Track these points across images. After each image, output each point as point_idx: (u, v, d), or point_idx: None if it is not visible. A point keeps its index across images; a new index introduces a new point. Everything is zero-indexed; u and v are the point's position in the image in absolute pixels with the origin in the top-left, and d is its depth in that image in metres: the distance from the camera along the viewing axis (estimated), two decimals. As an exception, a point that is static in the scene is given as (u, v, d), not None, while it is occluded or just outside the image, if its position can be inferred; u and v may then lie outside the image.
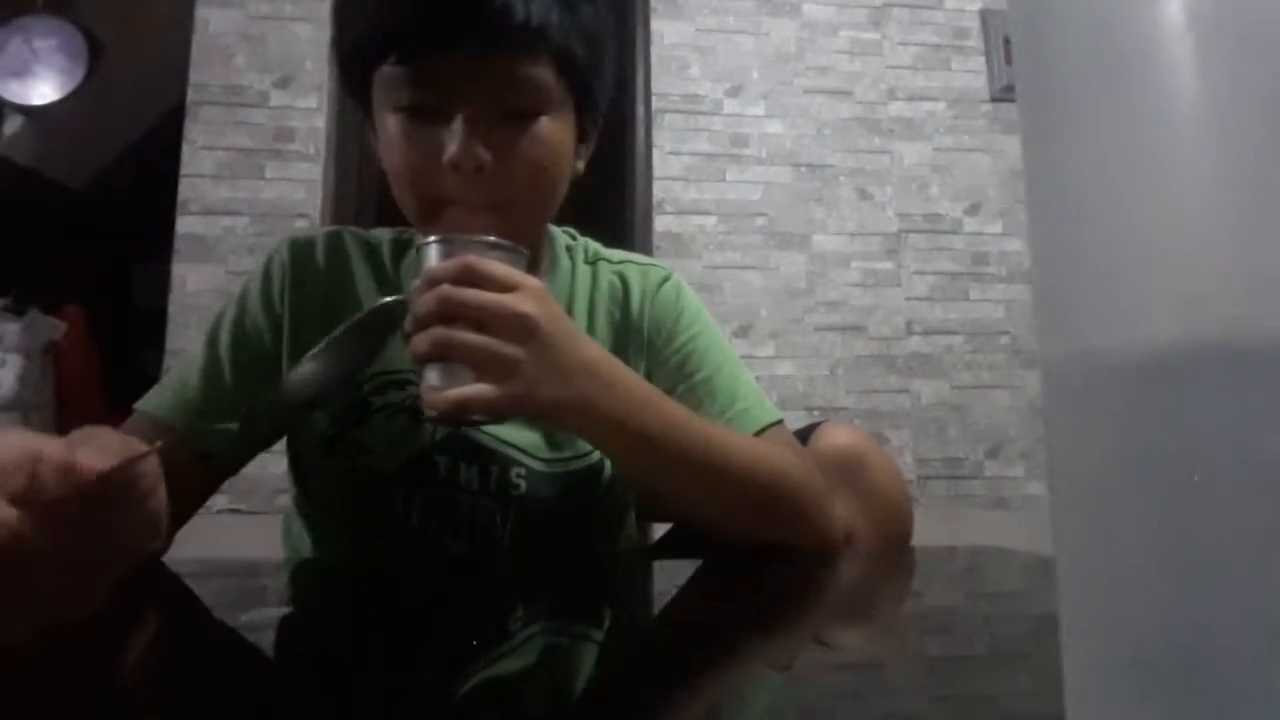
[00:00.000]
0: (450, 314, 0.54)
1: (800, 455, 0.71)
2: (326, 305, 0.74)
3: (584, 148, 0.74)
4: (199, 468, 0.67)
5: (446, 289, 0.54)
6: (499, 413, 0.56)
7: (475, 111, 0.63)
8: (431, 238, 0.57)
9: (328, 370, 0.58)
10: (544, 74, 0.65)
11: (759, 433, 0.71)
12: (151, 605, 0.50)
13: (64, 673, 0.33)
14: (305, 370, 0.57)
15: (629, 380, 0.62)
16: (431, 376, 0.55)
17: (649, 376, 0.76)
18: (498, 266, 0.56)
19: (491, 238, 0.58)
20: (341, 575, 0.65)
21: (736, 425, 0.70)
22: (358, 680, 0.33)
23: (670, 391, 0.75)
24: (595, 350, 0.60)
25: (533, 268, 0.78)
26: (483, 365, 0.54)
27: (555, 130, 0.67)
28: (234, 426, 0.70)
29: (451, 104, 0.63)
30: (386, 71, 0.65)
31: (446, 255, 0.56)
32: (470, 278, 0.54)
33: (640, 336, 0.77)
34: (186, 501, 0.63)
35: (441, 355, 0.54)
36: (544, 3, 0.62)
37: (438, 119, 0.63)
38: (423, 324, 0.54)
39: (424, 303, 0.54)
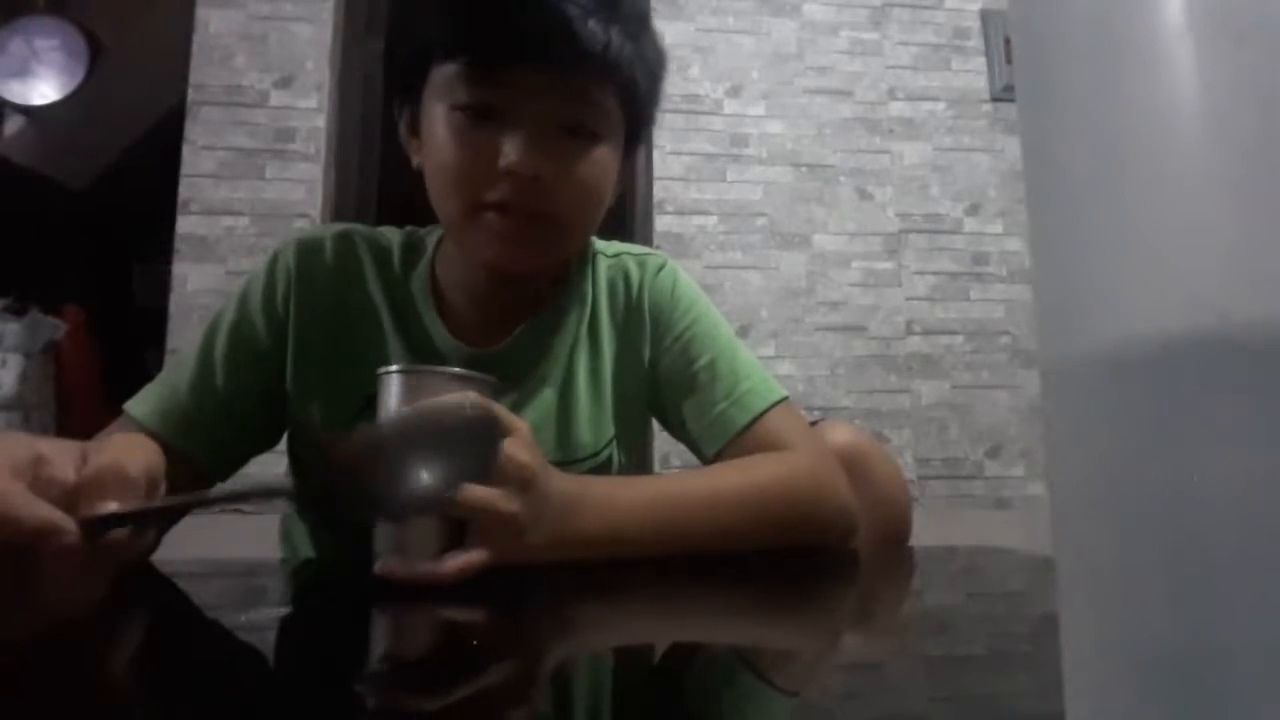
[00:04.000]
0: None
1: (801, 439, 0.71)
2: (337, 308, 0.73)
3: (618, 183, 0.74)
4: (187, 472, 0.65)
5: None
6: (482, 570, 0.49)
7: (540, 122, 0.63)
8: (392, 367, 0.52)
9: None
10: (609, 101, 0.66)
11: (764, 412, 0.71)
12: (151, 606, 0.50)
13: (63, 674, 0.33)
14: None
15: (592, 492, 0.58)
16: (388, 530, 0.49)
17: (654, 364, 0.77)
18: (498, 409, 0.52)
19: (457, 369, 0.54)
20: (341, 575, 0.65)
21: (742, 406, 0.72)
22: (357, 681, 0.33)
23: (675, 378, 0.76)
24: (561, 479, 0.56)
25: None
26: (484, 522, 0.50)
27: (609, 157, 0.68)
28: (224, 432, 0.69)
29: (518, 110, 0.63)
30: (451, 68, 0.64)
31: (412, 387, 0.51)
32: None
33: (643, 326, 0.78)
34: None
35: None
36: (620, 34, 0.63)
37: (497, 123, 0.63)
38: None
39: None
